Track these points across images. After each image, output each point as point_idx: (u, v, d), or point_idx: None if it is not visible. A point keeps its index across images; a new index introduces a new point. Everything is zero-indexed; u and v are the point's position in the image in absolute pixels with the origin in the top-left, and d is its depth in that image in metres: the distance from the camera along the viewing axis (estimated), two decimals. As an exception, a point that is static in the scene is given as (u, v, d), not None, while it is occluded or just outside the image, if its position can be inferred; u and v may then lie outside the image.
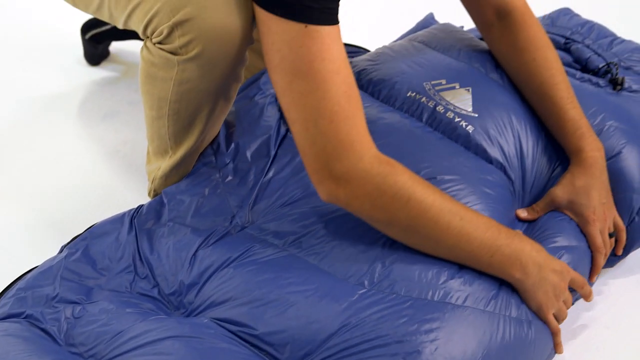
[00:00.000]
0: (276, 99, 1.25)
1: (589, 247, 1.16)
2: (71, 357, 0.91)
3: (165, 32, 1.01)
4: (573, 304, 1.12)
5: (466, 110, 1.22)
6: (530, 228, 1.18)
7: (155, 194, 1.27)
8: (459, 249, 0.99)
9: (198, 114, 1.13)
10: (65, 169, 1.47)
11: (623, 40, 1.47)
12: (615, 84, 1.34)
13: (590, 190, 1.16)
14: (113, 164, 1.49)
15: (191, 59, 1.02)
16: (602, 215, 1.16)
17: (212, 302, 0.99)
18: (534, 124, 1.25)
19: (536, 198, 1.24)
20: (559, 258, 1.10)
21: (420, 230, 0.98)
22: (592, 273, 1.17)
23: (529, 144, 1.23)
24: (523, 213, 1.19)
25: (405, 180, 0.97)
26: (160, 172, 1.24)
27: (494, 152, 1.20)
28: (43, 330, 0.95)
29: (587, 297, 1.11)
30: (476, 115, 1.22)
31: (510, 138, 1.22)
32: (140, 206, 1.14)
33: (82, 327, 0.94)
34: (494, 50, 1.30)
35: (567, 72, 1.30)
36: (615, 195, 1.21)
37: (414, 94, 1.24)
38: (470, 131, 1.20)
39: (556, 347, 1.06)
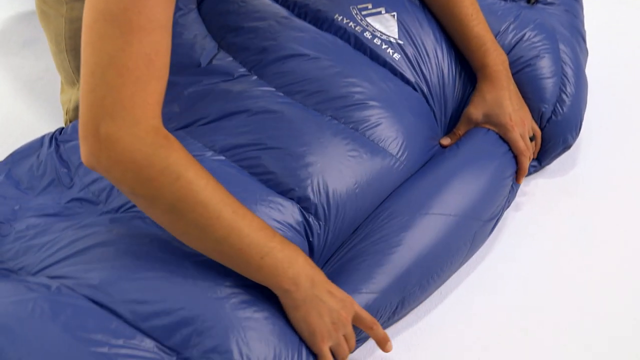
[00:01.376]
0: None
1: (513, 152, 1.21)
2: (1, 273, 0.91)
3: None
4: (357, 347, 1.01)
5: (392, 37, 1.24)
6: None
7: (75, 114, 1.25)
8: (228, 244, 0.88)
9: None
10: (-15, 97, 1.44)
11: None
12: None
13: (501, 100, 1.21)
14: (34, 92, 1.46)
15: None
16: (520, 120, 1.22)
17: None
18: (452, 49, 1.28)
19: (454, 124, 1.28)
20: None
21: (187, 215, 0.86)
22: (518, 175, 1.22)
23: (450, 71, 1.26)
24: (446, 140, 1.23)
25: (179, 157, 0.85)
26: (72, 104, 1.21)
27: (419, 82, 1.23)
28: (-31, 252, 0.95)
29: (382, 343, 0.97)
30: (401, 42, 1.24)
31: (434, 67, 1.25)
32: (62, 128, 1.12)
33: (10, 244, 0.94)
34: None
35: None
36: (528, 103, 1.27)
37: (341, 17, 1.24)
38: (397, 59, 1.22)
39: None
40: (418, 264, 1.06)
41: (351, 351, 0.96)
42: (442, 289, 1.14)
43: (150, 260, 0.91)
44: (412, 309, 1.10)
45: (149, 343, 0.85)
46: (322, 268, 1.02)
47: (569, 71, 1.29)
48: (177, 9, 1.22)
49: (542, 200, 1.30)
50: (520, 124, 1.22)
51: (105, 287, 0.88)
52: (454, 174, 1.15)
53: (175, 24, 1.19)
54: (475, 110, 1.23)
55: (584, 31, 1.41)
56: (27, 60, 1.53)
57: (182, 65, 1.15)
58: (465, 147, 1.20)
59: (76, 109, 1.19)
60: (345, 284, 0.99)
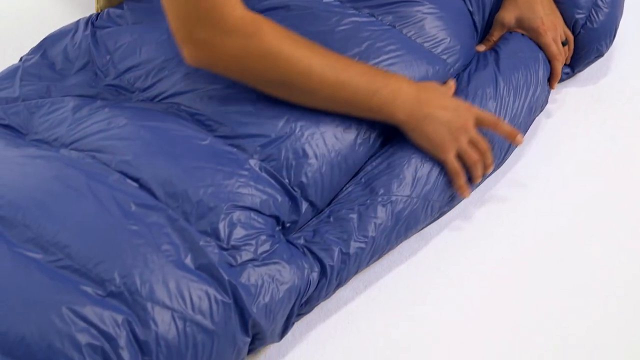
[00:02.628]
0: None
1: (546, 56, 1.20)
2: (34, 144, 0.92)
3: None
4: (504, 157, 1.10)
5: None
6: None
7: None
8: (337, 98, 0.97)
9: None
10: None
11: None
12: None
13: (532, 4, 1.21)
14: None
15: None
16: (552, 24, 1.21)
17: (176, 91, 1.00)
18: None
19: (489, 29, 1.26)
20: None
21: (295, 85, 0.95)
22: (552, 80, 1.22)
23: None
24: (481, 47, 1.22)
25: (271, 40, 0.92)
26: None
27: None
28: (6, 126, 0.96)
29: (511, 136, 1.05)
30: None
31: None
32: (97, 13, 1.12)
33: (44, 116, 0.96)
34: None
35: None
36: (561, 9, 1.25)
37: None
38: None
39: (458, 190, 1.04)
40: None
41: (485, 153, 1.03)
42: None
43: (187, 149, 0.93)
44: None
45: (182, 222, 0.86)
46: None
47: (606, -24, 1.26)
48: None
49: (573, 108, 1.29)
50: (552, 28, 1.21)
51: (138, 163, 0.89)
52: (497, 80, 1.13)
53: None
54: (508, 14, 1.21)
55: None
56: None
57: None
58: (503, 52, 1.18)
59: None
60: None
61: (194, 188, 0.88)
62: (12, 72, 1.04)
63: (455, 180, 1.02)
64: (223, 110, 0.97)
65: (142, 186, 0.88)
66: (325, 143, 0.98)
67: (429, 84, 1.05)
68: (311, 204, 0.97)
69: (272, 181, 0.93)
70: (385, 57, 1.06)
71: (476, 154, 1.03)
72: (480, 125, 1.03)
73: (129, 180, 0.88)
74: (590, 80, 1.34)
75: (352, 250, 0.94)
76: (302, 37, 0.96)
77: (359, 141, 1.01)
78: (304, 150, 0.96)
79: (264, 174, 0.93)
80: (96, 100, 0.98)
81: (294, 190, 0.95)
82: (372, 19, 1.10)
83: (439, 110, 1.00)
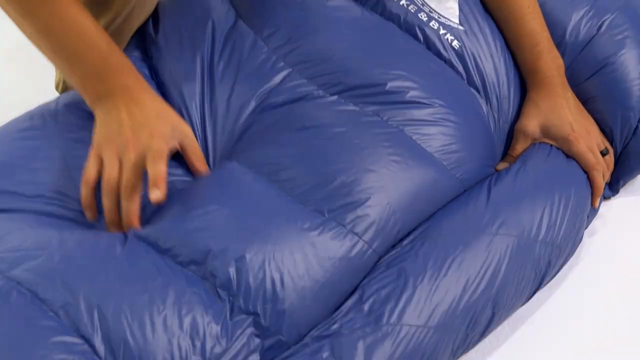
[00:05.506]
0: None
1: (583, 168, 1.01)
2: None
3: None
4: None
5: (452, 22, 1.03)
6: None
7: (65, 86, 1.08)
8: (43, 42, 0.86)
9: None
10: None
11: None
12: None
13: (558, 108, 1.02)
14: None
15: None
16: (584, 130, 1.02)
17: None
18: (507, 47, 1.07)
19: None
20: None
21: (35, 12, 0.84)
22: (593, 196, 1.02)
23: (508, 73, 1.05)
24: (502, 166, 1.02)
25: None
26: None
27: (475, 80, 1.02)
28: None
29: None
30: (462, 29, 1.03)
31: (490, 62, 1.04)
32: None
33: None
34: None
35: None
36: (605, 111, 1.06)
37: (392, -7, 1.03)
38: (457, 47, 1.01)
39: None
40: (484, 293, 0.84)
41: None
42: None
43: None
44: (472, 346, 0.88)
45: None
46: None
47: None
48: None
49: (618, 222, 1.08)
50: (585, 135, 1.01)
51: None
52: (518, 197, 0.93)
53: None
54: (530, 122, 1.02)
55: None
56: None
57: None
58: (528, 168, 0.98)
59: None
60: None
61: None
62: None
63: None
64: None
65: None
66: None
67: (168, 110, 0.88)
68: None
69: None
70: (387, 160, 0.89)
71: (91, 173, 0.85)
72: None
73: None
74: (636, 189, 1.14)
75: None
76: None
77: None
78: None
79: None
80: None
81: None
82: (377, 118, 0.93)
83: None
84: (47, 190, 0.84)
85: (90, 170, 0.81)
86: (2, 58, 1.33)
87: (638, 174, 1.10)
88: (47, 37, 0.85)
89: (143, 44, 1.01)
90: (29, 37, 0.86)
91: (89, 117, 0.86)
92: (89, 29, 0.86)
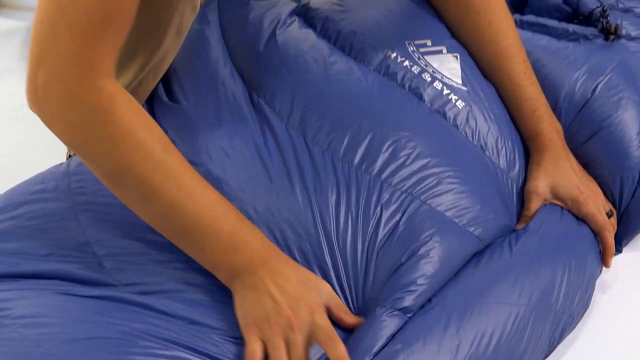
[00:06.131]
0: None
1: (593, 229, 1.02)
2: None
3: None
4: None
5: (455, 82, 1.04)
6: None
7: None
8: (168, 221, 0.82)
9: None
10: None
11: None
12: (608, 33, 1.16)
13: (564, 171, 1.04)
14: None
15: None
16: (591, 192, 1.04)
17: None
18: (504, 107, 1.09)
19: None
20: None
21: (123, 186, 0.82)
22: (606, 256, 1.03)
23: (509, 131, 1.07)
24: (519, 225, 1.03)
25: (119, 124, 0.78)
26: None
27: (482, 137, 1.03)
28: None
29: None
30: (465, 89, 1.05)
31: (494, 123, 1.05)
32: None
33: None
34: (443, 12, 1.13)
35: (546, 26, 1.16)
36: (603, 174, 1.07)
37: (394, 54, 1.04)
38: (461, 107, 1.03)
39: None
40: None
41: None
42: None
43: None
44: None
45: None
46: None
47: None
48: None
49: (628, 277, 1.08)
50: (593, 196, 1.04)
51: None
52: (537, 263, 0.94)
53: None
54: (540, 183, 1.03)
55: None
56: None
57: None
58: (546, 230, 0.98)
59: None
60: None
61: None
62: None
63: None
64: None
65: None
66: None
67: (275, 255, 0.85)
68: None
69: None
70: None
71: (282, 356, 0.78)
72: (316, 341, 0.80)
73: None
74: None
75: None
76: (159, 140, 0.82)
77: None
78: None
79: None
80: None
81: None
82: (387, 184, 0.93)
83: (276, 288, 0.81)
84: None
85: (256, 354, 0.78)
86: (8, 117, 1.35)
87: (636, 233, 1.12)
88: (177, 214, 0.81)
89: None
90: (150, 221, 0.83)
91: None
92: (218, 198, 0.84)
